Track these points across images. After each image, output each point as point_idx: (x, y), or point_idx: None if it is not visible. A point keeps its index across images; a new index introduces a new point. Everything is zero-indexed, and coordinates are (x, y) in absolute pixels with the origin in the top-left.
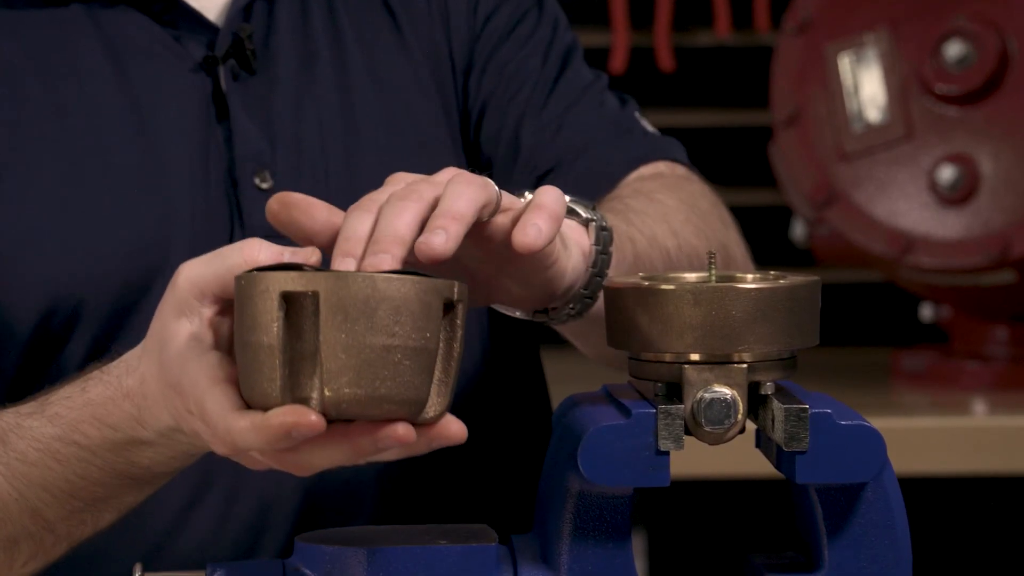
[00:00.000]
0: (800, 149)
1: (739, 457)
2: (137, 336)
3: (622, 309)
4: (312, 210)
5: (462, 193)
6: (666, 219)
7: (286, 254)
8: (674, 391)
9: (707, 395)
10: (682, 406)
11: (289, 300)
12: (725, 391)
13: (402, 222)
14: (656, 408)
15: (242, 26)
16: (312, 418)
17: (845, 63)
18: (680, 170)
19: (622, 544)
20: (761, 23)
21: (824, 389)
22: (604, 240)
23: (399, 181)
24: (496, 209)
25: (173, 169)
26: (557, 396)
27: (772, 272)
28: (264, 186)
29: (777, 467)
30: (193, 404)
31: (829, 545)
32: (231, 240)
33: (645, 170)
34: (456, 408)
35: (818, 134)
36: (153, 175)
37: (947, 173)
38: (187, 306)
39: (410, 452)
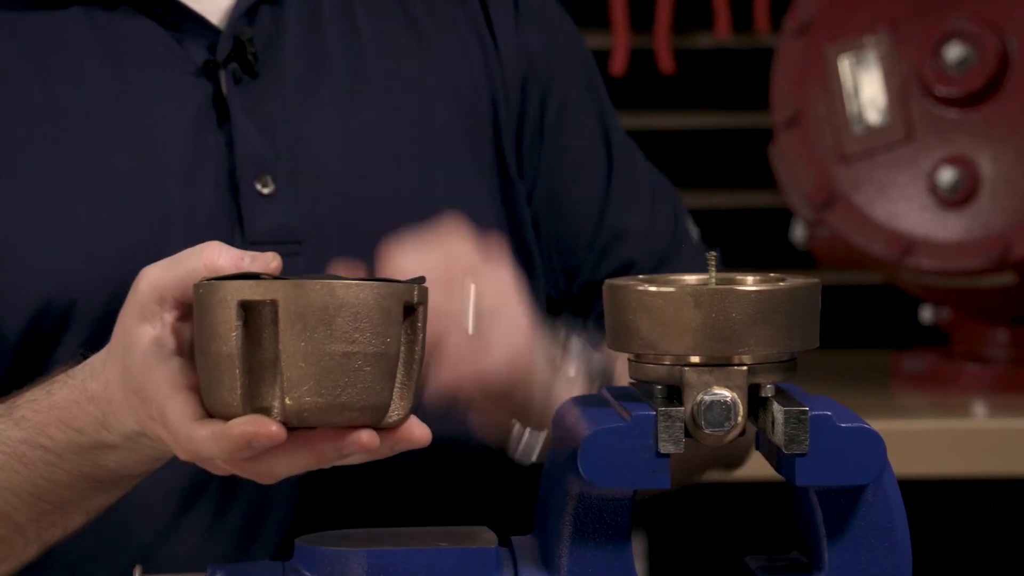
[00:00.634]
0: (800, 151)
1: None
2: None
3: (622, 311)
4: None
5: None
6: None
7: (246, 259)
8: (674, 393)
9: (707, 397)
10: (682, 408)
11: (248, 309)
12: (725, 393)
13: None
14: (656, 410)
15: (243, 29)
16: (273, 428)
17: (845, 65)
18: None
19: (622, 546)
20: (761, 25)
21: (824, 391)
22: (597, 365)
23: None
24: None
25: (171, 172)
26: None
27: (772, 274)
28: (265, 191)
29: (777, 469)
30: (155, 411)
31: (829, 547)
32: (230, 244)
33: None
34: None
35: (818, 136)
36: (151, 178)
37: (947, 175)
38: (149, 311)
39: (373, 456)
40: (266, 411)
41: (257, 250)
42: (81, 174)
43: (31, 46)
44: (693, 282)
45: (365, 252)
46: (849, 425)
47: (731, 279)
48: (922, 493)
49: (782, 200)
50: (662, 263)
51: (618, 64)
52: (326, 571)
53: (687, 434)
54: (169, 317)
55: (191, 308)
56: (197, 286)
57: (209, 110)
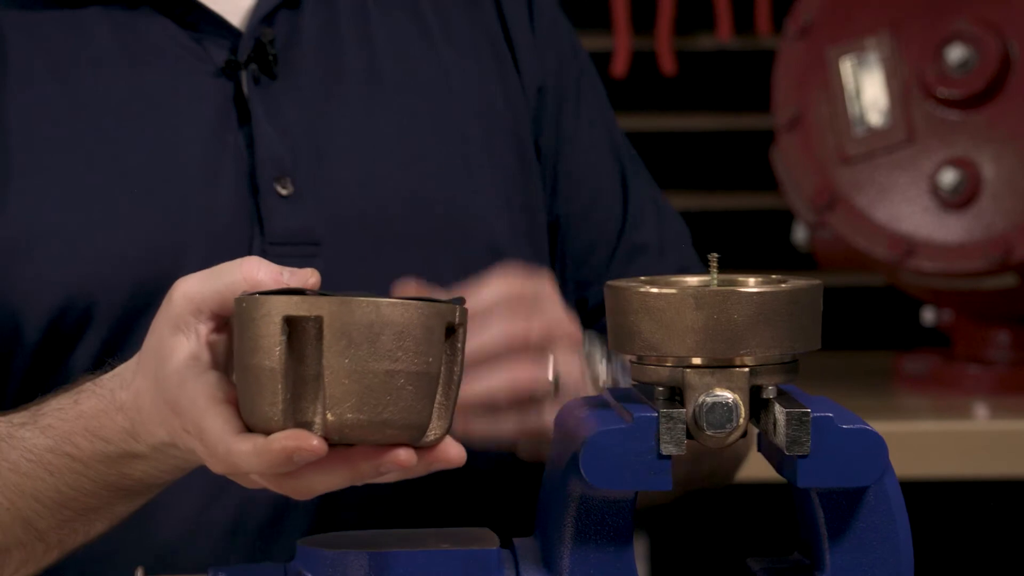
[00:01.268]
0: (801, 153)
1: None
2: None
3: (624, 312)
4: None
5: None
6: None
7: (285, 274)
8: (676, 395)
9: (709, 399)
10: (684, 410)
11: (292, 324)
12: (727, 395)
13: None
14: (658, 412)
15: (265, 31)
16: (314, 443)
17: (847, 67)
18: None
19: (624, 548)
20: (762, 27)
21: (826, 393)
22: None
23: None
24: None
25: (191, 172)
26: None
27: (774, 276)
28: (284, 193)
29: (779, 471)
30: (191, 424)
31: (831, 549)
32: (249, 245)
33: None
34: None
35: (819, 138)
36: (170, 177)
37: (949, 177)
38: (184, 322)
39: (409, 475)
40: (307, 426)
41: (276, 251)
42: (100, 173)
43: (50, 45)
44: (695, 284)
45: (383, 254)
46: (851, 427)
47: (733, 281)
48: (924, 495)
49: (783, 202)
50: (680, 272)
51: (619, 66)
52: (328, 573)
53: (689, 436)
54: (204, 329)
55: (227, 321)
56: (240, 300)
57: (229, 111)
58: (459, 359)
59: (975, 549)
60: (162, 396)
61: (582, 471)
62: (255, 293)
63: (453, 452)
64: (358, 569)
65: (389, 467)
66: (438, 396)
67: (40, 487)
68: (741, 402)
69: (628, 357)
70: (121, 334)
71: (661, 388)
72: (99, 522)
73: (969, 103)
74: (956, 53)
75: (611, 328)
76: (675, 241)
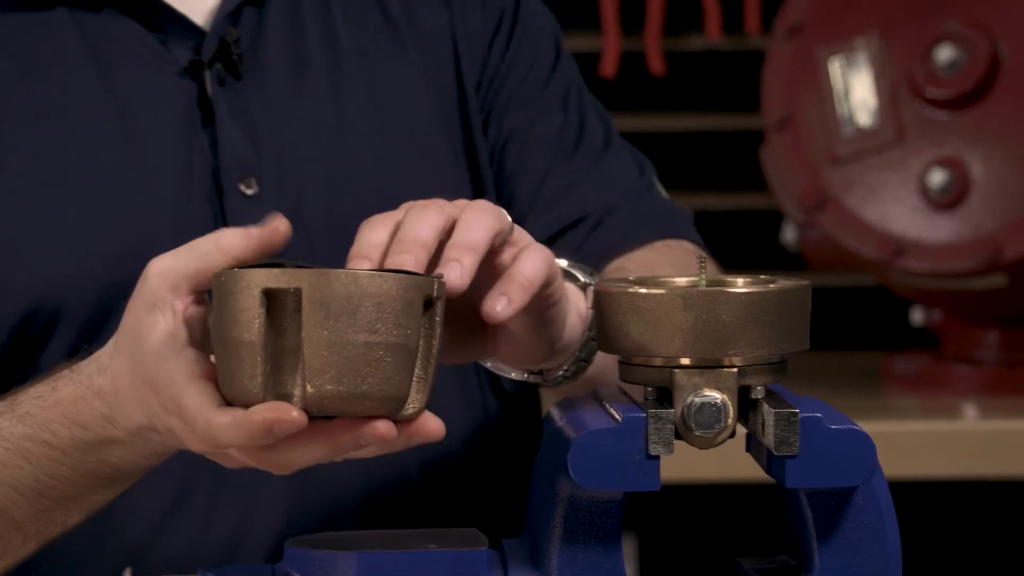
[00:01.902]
0: (791, 153)
1: (729, 461)
2: None
3: (612, 313)
4: None
5: (477, 221)
6: None
7: (254, 231)
8: (664, 395)
9: (697, 399)
10: (672, 410)
11: (271, 297)
12: (715, 395)
13: (425, 227)
14: (646, 412)
15: (229, 31)
16: (294, 414)
17: (836, 67)
18: (689, 247)
19: (612, 548)
20: (752, 27)
21: (815, 393)
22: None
23: (414, 205)
24: (506, 239)
25: (157, 173)
26: (549, 400)
27: (762, 276)
28: (249, 192)
29: (767, 471)
30: (170, 401)
31: (819, 549)
32: None
33: (658, 244)
34: (447, 410)
35: (809, 138)
36: (136, 179)
37: (938, 177)
38: (160, 300)
39: (388, 449)
40: (286, 398)
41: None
42: (66, 175)
43: (15, 47)
44: (683, 284)
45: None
46: (839, 427)
47: (721, 281)
48: (912, 495)
49: (773, 202)
50: (613, 212)
51: (609, 66)
52: (316, 573)
53: (677, 436)
54: (180, 306)
55: (202, 296)
56: (218, 274)
57: (194, 111)
58: (437, 333)
59: (964, 549)
60: (140, 375)
61: (571, 471)
62: (234, 267)
63: (433, 426)
64: (346, 570)
65: (368, 439)
66: (416, 369)
67: (18, 476)
68: (730, 402)
69: (617, 357)
70: (90, 335)
71: (650, 388)
72: (76, 512)
73: (958, 103)
74: (945, 53)
75: (599, 328)
76: (616, 180)
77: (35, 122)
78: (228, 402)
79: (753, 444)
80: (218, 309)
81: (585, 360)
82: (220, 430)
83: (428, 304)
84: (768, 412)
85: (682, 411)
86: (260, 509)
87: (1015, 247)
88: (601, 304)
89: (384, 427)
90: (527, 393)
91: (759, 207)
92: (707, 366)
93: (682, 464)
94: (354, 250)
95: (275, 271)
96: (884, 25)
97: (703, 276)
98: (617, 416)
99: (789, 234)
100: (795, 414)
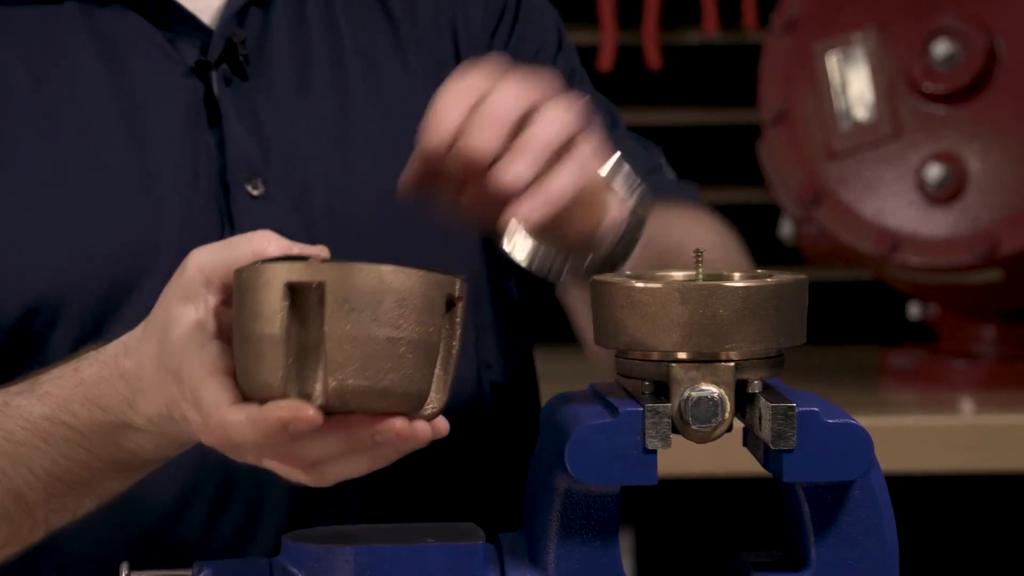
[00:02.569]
0: (788, 148)
1: (726, 456)
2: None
3: (609, 307)
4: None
5: (556, 119)
6: (701, 237)
7: (295, 249)
8: (661, 389)
9: (694, 393)
10: (669, 405)
11: (294, 291)
12: (712, 390)
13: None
14: (643, 407)
15: (236, 31)
16: (310, 412)
17: (833, 61)
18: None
19: (609, 543)
20: (749, 21)
21: (811, 387)
22: (642, 208)
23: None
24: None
25: (163, 172)
26: (547, 394)
27: (760, 270)
28: (255, 193)
29: (764, 465)
30: (188, 392)
31: (816, 543)
32: None
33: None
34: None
35: (806, 133)
36: (142, 177)
37: (935, 171)
38: (193, 292)
39: (406, 449)
40: (308, 393)
41: None
42: (72, 172)
43: (23, 43)
44: (680, 278)
45: (355, 254)
46: (836, 421)
47: (718, 275)
48: (909, 489)
49: (770, 197)
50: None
51: (606, 60)
52: (313, 568)
53: (674, 430)
54: (213, 300)
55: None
56: (240, 270)
57: (200, 111)
58: (457, 334)
59: (961, 543)
60: (164, 363)
61: (567, 466)
62: (256, 262)
63: (442, 426)
64: (344, 564)
65: (386, 436)
66: (437, 368)
67: (34, 456)
68: (727, 396)
69: (613, 352)
70: (91, 333)
71: (647, 383)
72: (88, 499)
73: (955, 98)
74: (942, 48)
75: (596, 323)
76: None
77: (41, 118)
78: (248, 396)
79: (750, 438)
80: (240, 304)
81: (621, 254)
82: (233, 427)
83: (450, 305)
84: (765, 406)
85: (679, 405)
86: (266, 506)
87: (1012, 241)
88: (598, 297)
89: (401, 424)
90: (525, 387)
91: (756, 201)
92: (704, 360)
93: (679, 458)
94: (429, 123)
95: (298, 265)
96: (881, 20)
97: (700, 270)
98: (614, 410)
99: (786, 228)
100: (792, 408)
